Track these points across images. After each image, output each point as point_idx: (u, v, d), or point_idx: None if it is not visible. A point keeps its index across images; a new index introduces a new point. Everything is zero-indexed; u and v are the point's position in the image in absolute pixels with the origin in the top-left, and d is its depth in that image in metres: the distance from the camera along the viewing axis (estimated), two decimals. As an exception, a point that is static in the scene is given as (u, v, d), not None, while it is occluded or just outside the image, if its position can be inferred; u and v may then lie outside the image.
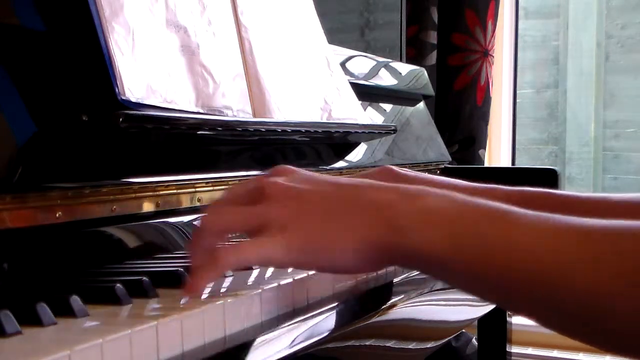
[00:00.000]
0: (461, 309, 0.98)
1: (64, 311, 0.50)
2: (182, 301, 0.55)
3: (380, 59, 1.39)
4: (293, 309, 0.62)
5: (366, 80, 1.26)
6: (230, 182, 0.85)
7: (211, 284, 0.58)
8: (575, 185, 2.89)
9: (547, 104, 3.25)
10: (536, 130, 3.26)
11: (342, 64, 1.17)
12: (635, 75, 3.09)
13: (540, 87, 3.26)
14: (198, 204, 0.80)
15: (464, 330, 1.81)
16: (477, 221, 0.53)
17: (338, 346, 0.66)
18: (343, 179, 0.62)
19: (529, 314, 0.53)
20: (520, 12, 2.57)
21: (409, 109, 1.41)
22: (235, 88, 0.82)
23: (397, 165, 0.84)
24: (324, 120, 0.96)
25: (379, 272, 0.75)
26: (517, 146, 2.57)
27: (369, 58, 1.35)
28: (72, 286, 0.56)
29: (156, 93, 0.70)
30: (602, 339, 0.50)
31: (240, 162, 0.88)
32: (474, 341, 1.80)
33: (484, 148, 1.99)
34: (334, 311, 0.63)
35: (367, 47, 1.54)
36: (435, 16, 1.89)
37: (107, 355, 0.44)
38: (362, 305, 0.69)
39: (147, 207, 0.74)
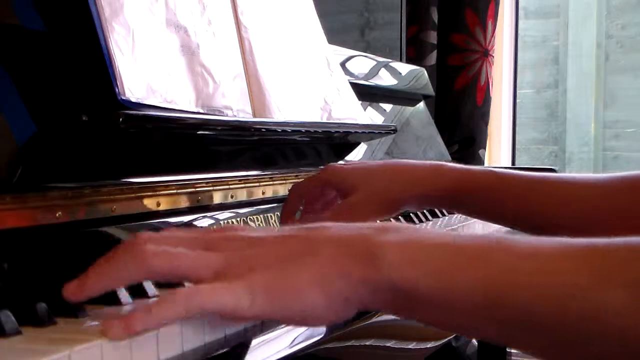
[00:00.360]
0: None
1: (64, 311, 0.50)
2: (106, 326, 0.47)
3: (380, 59, 1.39)
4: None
5: (366, 80, 1.26)
6: (230, 182, 0.85)
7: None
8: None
9: (547, 104, 3.26)
10: (536, 130, 3.27)
11: (342, 64, 1.17)
12: (635, 75, 3.09)
13: (540, 87, 3.26)
14: (198, 203, 0.80)
15: (464, 330, 1.80)
16: (466, 250, 0.49)
17: (338, 346, 0.66)
18: (301, 226, 0.56)
19: (535, 349, 0.49)
20: (520, 12, 2.57)
21: (409, 109, 1.41)
22: (235, 88, 0.82)
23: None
24: (324, 120, 0.96)
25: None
26: (517, 146, 2.58)
27: (369, 58, 1.35)
28: (72, 286, 0.56)
29: (156, 93, 0.70)
30: None
31: (240, 162, 0.88)
32: (474, 341, 1.80)
33: (484, 148, 1.99)
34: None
35: (367, 47, 1.54)
36: (435, 16, 1.89)
37: (107, 355, 0.44)
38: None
39: (147, 207, 0.74)
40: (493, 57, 1.97)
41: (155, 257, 0.49)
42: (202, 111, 0.76)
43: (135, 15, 0.70)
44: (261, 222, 0.89)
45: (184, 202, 0.78)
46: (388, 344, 0.74)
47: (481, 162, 1.97)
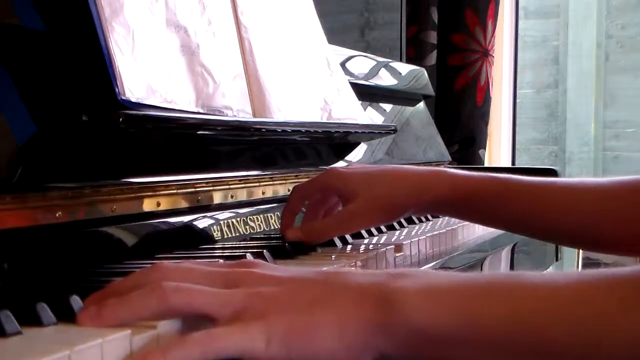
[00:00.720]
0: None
1: (64, 311, 0.50)
2: None
3: (380, 59, 1.39)
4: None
5: (366, 80, 1.26)
6: (230, 182, 0.85)
7: None
8: (575, 185, 2.88)
9: (547, 104, 3.25)
10: (536, 130, 3.27)
11: (342, 64, 1.17)
12: (635, 75, 3.09)
13: (540, 87, 3.26)
14: (198, 203, 0.80)
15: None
16: (486, 287, 0.50)
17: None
18: (320, 270, 0.58)
19: None
20: (520, 12, 2.57)
21: (409, 109, 1.41)
22: (235, 88, 0.82)
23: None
24: (324, 120, 0.96)
25: None
26: (517, 146, 2.58)
27: (369, 58, 1.35)
28: (72, 286, 0.56)
29: (156, 93, 0.70)
30: None
31: (240, 162, 0.88)
32: None
33: (484, 148, 1.99)
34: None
35: (367, 47, 1.54)
36: (435, 16, 1.89)
37: (107, 355, 0.44)
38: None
39: (147, 207, 0.74)
40: (493, 57, 1.97)
41: (174, 295, 0.49)
42: (202, 111, 0.76)
43: (135, 15, 0.70)
44: (261, 222, 0.89)
45: (184, 202, 0.78)
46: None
47: (481, 162, 1.97)
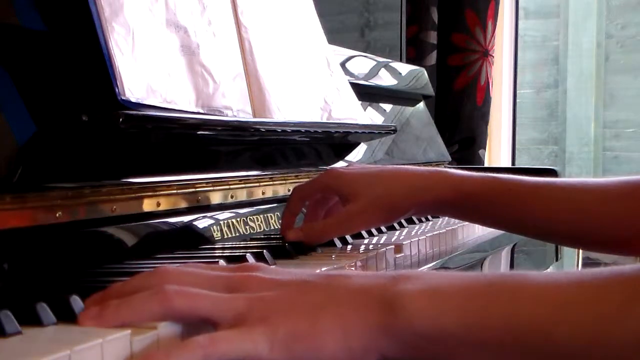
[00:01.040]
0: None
1: (64, 311, 0.50)
2: None
3: (380, 59, 1.39)
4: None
5: (366, 80, 1.26)
6: (230, 182, 0.85)
7: None
8: (575, 185, 2.88)
9: (547, 104, 3.25)
10: (536, 130, 3.26)
11: (342, 64, 1.17)
12: (635, 75, 3.09)
13: (540, 87, 3.26)
14: (198, 204, 0.80)
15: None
16: (489, 288, 0.50)
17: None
18: (322, 272, 0.57)
19: None
20: (520, 12, 2.57)
21: (409, 109, 1.41)
22: (235, 88, 0.82)
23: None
24: (324, 120, 0.96)
25: None
26: (517, 146, 2.57)
27: (369, 58, 1.35)
28: (72, 286, 0.56)
29: (156, 93, 0.70)
30: None
31: (240, 162, 0.88)
32: None
33: (484, 148, 1.99)
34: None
35: (367, 47, 1.54)
36: (435, 16, 1.89)
37: (107, 356, 0.44)
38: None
39: (147, 207, 0.74)
40: (493, 57, 1.97)
41: (177, 298, 0.49)
42: (202, 111, 0.76)
43: (135, 15, 0.70)
44: (261, 222, 0.89)
45: (184, 203, 0.78)
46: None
47: (481, 162, 1.97)
